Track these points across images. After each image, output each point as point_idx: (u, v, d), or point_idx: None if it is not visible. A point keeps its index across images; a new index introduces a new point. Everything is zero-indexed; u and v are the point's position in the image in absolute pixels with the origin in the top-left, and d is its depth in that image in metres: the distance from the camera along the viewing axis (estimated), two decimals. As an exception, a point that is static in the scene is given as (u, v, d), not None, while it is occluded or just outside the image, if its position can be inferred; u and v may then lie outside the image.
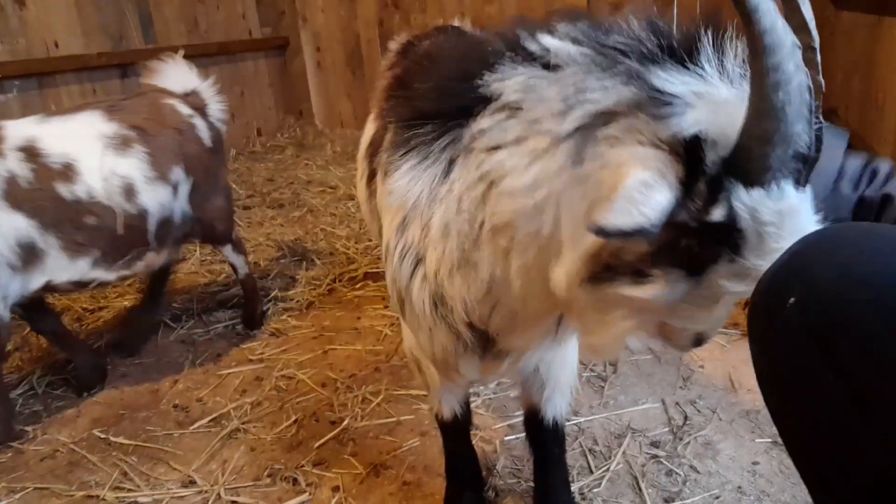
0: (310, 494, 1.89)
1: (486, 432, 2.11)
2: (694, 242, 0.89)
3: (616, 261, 0.94)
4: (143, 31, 4.51)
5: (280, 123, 5.83)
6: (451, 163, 1.15)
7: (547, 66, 1.02)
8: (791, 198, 0.85)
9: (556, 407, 1.65)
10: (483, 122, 1.08)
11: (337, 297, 3.20)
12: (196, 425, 2.26)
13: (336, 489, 1.90)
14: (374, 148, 1.57)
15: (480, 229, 1.10)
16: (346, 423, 2.20)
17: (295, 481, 1.95)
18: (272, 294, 3.19)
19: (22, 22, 3.75)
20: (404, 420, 2.20)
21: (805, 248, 0.80)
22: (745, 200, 0.84)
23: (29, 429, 2.30)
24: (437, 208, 1.16)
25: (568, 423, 2.08)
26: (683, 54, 0.93)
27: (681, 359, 2.43)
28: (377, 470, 1.98)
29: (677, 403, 2.18)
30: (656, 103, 0.89)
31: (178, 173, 2.45)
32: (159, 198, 2.37)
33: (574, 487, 1.81)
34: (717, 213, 0.86)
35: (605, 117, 0.93)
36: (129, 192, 2.30)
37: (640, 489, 1.82)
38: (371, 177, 1.62)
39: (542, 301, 1.11)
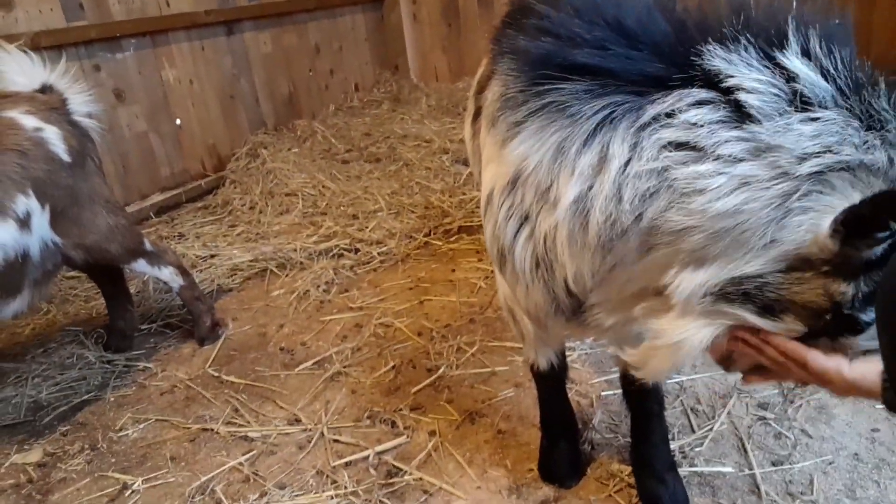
0: (407, 437, 1.95)
1: (583, 387, 2.08)
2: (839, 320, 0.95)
3: (756, 291, 0.97)
4: (248, -14, 4.62)
5: (377, 78, 5.86)
6: (597, 132, 1.02)
7: (794, 95, 0.91)
8: None
9: None
10: (688, 112, 0.94)
11: (432, 249, 3.22)
12: (300, 367, 2.37)
13: (432, 434, 1.95)
14: (482, 85, 1.54)
15: (637, 222, 1.01)
16: (441, 371, 2.23)
17: (393, 424, 2.01)
18: (372, 246, 3.25)
19: (136, -18, 3.93)
20: (499, 371, 2.21)
21: None
22: None
23: (151, 365, 2.49)
24: (570, 181, 1.06)
25: (669, 382, 2.02)
26: None
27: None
28: (472, 417, 2.01)
29: (788, 365, 2.07)
30: None
31: (24, 203, 2.01)
32: None
33: (674, 445, 1.76)
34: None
35: (843, 168, 0.89)
36: None
37: (745, 451, 1.75)
38: (476, 115, 1.59)
39: (646, 289, 1.11)
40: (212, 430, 2.09)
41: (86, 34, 3.63)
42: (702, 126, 0.93)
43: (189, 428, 2.12)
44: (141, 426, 2.16)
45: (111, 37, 3.77)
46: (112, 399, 2.32)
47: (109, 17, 3.77)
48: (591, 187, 1.05)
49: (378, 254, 3.20)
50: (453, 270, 2.99)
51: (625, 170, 1.00)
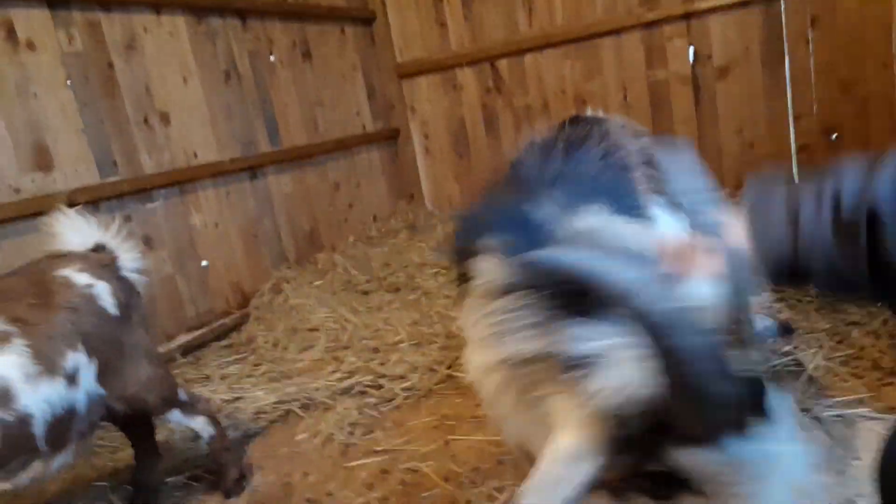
0: None
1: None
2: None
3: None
4: (270, 135, 4.93)
5: (393, 208, 6.09)
6: None
7: None
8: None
9: None
10: None
11: (455, 382, 3.21)
12: (327, 521, 2.32)
13: None
14: None
15: None
16: (472, 521, 2.17)
17: (425, 584, 1.94)
18: (395, 381, 3.25)
19: (167, 137, 4.20)
20: (532, 518, 2.14)
21: None
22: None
23: (177, 524, 2.45)
24: None
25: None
26: None
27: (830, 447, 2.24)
28: (507, 574, 1.94)
29: None
30: None
31: (73, 358, 2.06)
32: (47, 395, 1.97)
33: None
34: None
35: None
36: (3, 397, 1.88)
37: None
38: None
39: None
40: None
41: (119, 189, 3.85)
42: None
43: None
44: (166, 592, 2.10)
45: (142, 189, 4.00)
46: (137, 562, 2.27)
47: (141, 172, 4.01)
48: None
49: (401, 389, 3.19)
50: (478, 405, 2.96)
51: None
